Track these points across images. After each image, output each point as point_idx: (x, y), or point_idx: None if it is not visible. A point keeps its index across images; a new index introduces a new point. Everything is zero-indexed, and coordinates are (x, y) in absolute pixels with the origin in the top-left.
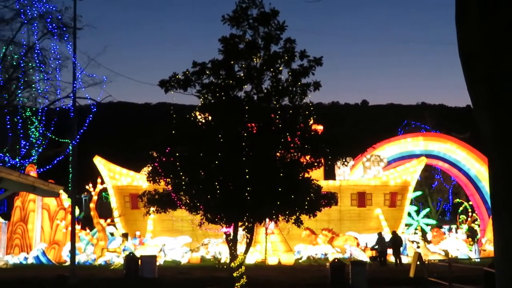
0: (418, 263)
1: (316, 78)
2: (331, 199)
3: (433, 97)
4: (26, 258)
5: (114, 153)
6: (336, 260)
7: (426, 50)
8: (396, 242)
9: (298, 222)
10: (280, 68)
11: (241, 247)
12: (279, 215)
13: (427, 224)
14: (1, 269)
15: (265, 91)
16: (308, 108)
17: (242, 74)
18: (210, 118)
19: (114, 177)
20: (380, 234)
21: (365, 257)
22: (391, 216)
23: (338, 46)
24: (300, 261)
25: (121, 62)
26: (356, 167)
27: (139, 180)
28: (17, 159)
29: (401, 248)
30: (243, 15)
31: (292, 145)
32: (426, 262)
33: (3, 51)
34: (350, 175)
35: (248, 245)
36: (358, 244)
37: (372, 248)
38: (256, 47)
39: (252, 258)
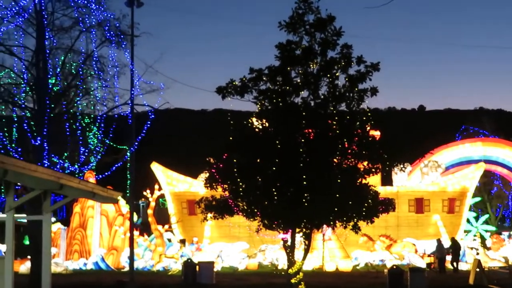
0: (477, 270)
1: (373, 84)
2: (388, 205)
3: (491, 101)
4: (85, 264)
5: (172, 159)
6: (394, 267)
7: (484, 55)
8: (456, 249)
9: (356, 229)
10: (337, 74)
11: (298, 253)
12: (337, 221)
13: (486, 231)
14: (61, 275)
15: (322, 97)
16: (365, 113)
17: (299, 80)
18: (267, 124)
19: (172, 183)
20: (439, 241)
21: (423, 263)
22: (449, 223)
23: (395, 51)
24: (357, 267)
25: (178, 68)
26: (413, 173)
27: (196, 186)
28: (76, 166)
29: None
30: (300, 21)
31: (349, 151)
32: (486, 269)
33: (62, 59)
34: (407, 181)
35: (306, 251)
36: (416, 251)
37: (431, 255)
38: (312, 53)
39: (310, 264)
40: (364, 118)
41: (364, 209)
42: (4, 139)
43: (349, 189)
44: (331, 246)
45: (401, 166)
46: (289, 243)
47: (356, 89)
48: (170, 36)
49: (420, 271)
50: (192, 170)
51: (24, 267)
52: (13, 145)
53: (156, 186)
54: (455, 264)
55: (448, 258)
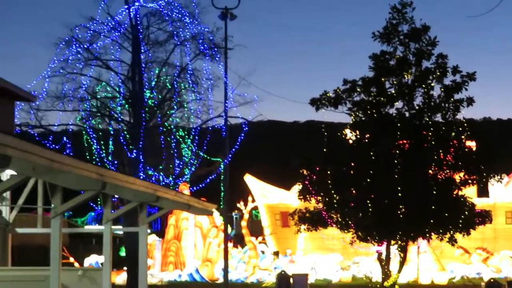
0: None
1: (469, 94)
2: (485, 217)
3: None
4: (180, 275)
5: (265, 171)
6: (491, 280)
7: None
8: None
9: (452, 241)
10: (432, 84)
11: (391, 265)
12: (432, 234)
13: None
14: (156, 286)
15: (417, 107)
16: (461, 124)
17: (393, 91)
18: (360, 136)
19: (265, 195)
20: None
21: None
22: None
23: (490, 60)
24: (453, 280)
25: (270, 80)
26: (510, 184)
27: (290, 198)
28: (171, 178)
29: None
30: (394, 32)
31: (445, 162)
32: None
33: (157, 72)
34: (504, 192)
35: (402, 264)
36: None
37: None
38: (407, 63)
39: (404, 277)
40: (460, 128)
41: (460, 221)
42: (101, 152)
43: (445, 201)
44: (426, 258)
45: (498, 177)
46: (383, 255)
47: (452, 99)
48: (262, 47)
49: None
50: (285, 182)
51: (120, 278)
52: (110, 158)
53: (250, 198)
54: None
55: None
